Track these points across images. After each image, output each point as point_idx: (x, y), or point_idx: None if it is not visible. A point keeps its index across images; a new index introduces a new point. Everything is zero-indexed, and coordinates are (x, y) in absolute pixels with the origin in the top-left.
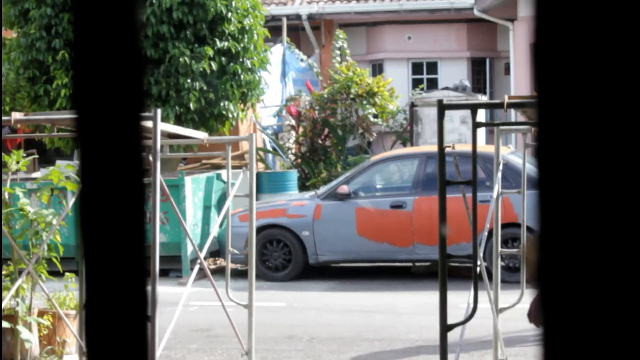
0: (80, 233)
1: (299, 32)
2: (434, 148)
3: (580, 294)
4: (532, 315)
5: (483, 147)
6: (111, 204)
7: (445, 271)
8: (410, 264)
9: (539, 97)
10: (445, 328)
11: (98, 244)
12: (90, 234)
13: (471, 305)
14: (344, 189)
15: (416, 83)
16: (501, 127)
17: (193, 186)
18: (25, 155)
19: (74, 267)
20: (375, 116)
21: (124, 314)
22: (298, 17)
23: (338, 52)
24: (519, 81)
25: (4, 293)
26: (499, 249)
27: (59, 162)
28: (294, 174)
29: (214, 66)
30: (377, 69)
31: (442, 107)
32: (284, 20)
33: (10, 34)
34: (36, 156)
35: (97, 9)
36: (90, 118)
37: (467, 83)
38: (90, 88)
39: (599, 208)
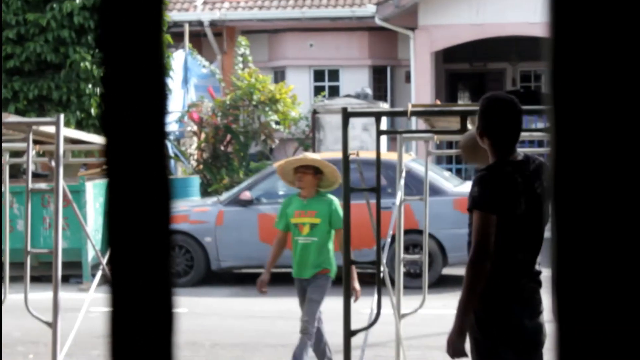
0: (108, 232)
1: (201, 38)
2: (336, 155)
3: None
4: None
5: (385, 154)
6: (138, 204)
7: (349, 277)
8: None
9: (556, 114)
10: (348, 333)
11: (125, 244)
12: (117, 234)
13: (374, 311)
14: (247, 195)
15: (318, 90)
16: (404, 135)
17: (94, 192)
18: None
19: None
20: (277, 123)
21: (150, 313)
22: (200, 23)
23: (240, 58)
24: (420, 89)
25: None
26: (402, 255)
27: None
28: (196, 180)
29: None
30: (279, 75)
31: (347, 115)
32: (186, 26)
33: None
34: None
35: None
36: (118, 125)
37: (369, 91)
38: (118, 105)
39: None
